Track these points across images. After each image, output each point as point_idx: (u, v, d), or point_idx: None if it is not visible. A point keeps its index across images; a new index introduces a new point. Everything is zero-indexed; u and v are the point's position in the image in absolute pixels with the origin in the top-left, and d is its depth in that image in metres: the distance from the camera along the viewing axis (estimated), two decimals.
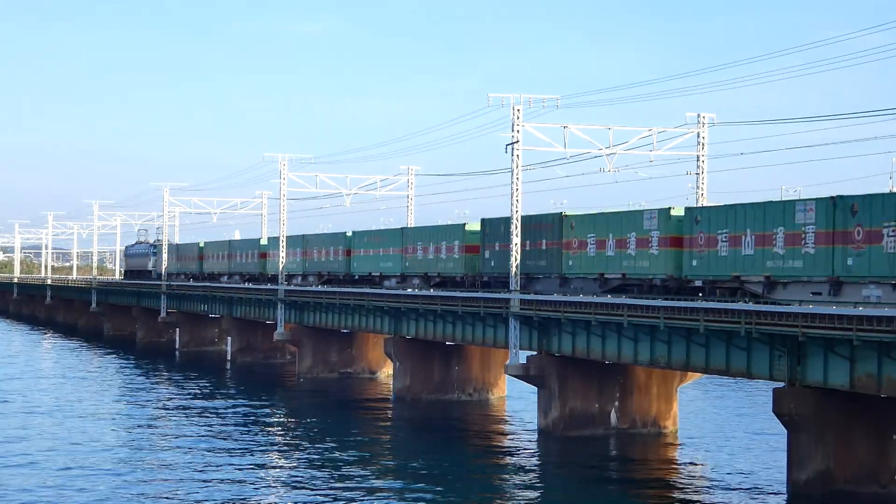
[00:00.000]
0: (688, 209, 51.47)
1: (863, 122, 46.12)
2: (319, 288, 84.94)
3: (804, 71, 51.68)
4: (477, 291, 63.79)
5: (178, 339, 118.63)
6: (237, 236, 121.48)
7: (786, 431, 43.71)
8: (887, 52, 45.37)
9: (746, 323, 43.25)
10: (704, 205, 53.55)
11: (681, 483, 47.12)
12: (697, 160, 58.28)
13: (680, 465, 51.34)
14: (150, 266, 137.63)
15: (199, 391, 76.86)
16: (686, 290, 50.83)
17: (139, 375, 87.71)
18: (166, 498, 41.20)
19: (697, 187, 58.14)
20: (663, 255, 51.67)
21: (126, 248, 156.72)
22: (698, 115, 58.13)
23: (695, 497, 43.95)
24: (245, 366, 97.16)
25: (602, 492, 45.12)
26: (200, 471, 46.45)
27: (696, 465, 50.73)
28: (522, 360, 58.69)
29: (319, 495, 42.07)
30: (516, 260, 59.53)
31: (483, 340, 63.74)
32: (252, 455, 50.74)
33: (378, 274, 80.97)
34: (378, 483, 44.88)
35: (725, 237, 48.22)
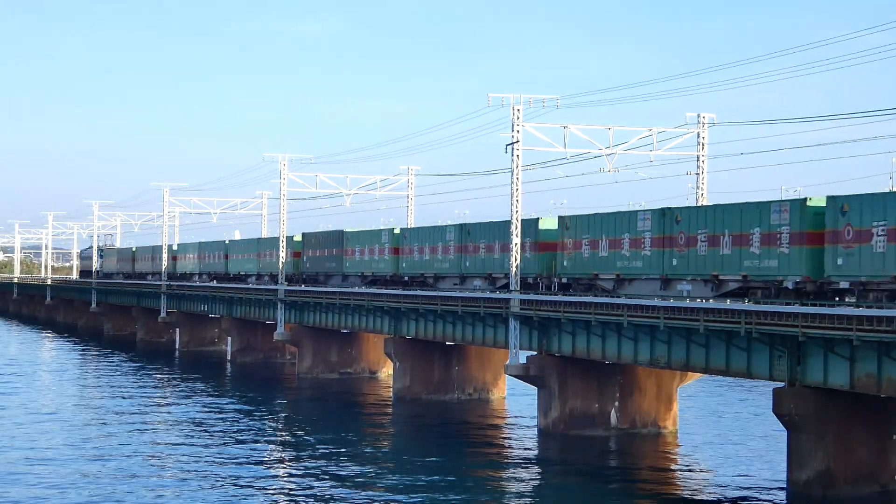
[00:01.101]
0: (402, 229, 77.92)
1: (863, 122, 46.17)
2: (320, 288, 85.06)
3: (804, 71, 51.65)
4: (299, 285, 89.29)
5: (178, 339, 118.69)
6: (237, 236, 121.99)
7: (786, 431, 43.74)
8: (887, 52, 45.42)
9: (746, 323, 43.27)
10: (413, 226, 78.99)
11: (681, 483, 47.14)
12: (697, 160, 58.28)
13: (680, 465, 51.35)
14: (95, 267, 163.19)
15: (199, 391, 76.87)
16: (401, 282, 76.02)
17: (139, 375, 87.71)
18: (165, 498, 41.21)
19: (697, 187, 58.15)
20: (391, 260, 77.85)
21: (81, 251, 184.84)
22: (698, 115, 58.12)
23: (695, 497, 43.95)
24: (245, 366, 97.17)
25: (602, 492, 45.13)
26: (200, 471, 46.45)
27: (696, 465, 50.73)
28: (522, 360, 58.72)
29: (319, 495, 42.07)
30: (517, 260, 59.54)
31: (483, 340, 63.76)
32: (251, 455, 50.74)
33: (245, 273, 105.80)
34: (378, 483, 44.88)
35: (418, 248, 74.41)
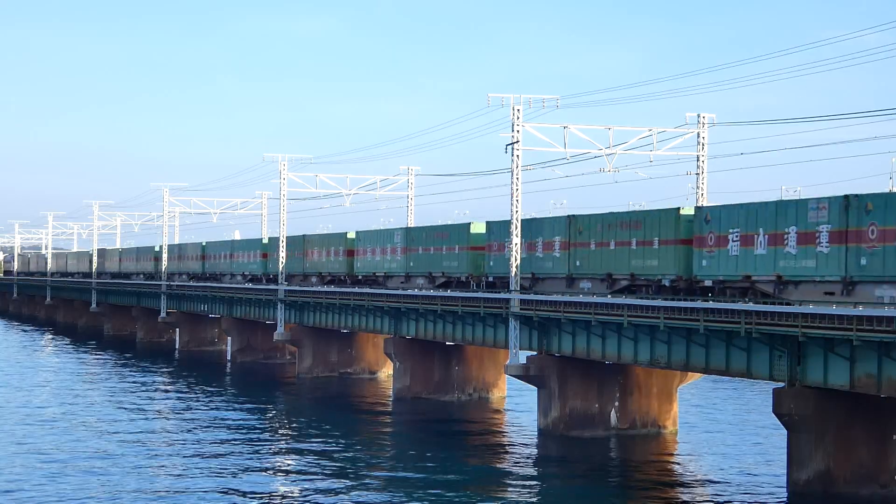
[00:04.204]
0: (270, 238, 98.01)
1: (863, 122, 46.21)
2: (320, 288, 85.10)
3: (804, 71, 51.72)
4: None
5: (178, 339, 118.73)
6: (237, 236, 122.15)
7: (786, 431, 43.74)
8: (887, 52, 45.43)
9: (746, 323, 43.27)
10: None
11: (681, 483, 47.12)
12: (697, 160, 58.26)
13: (680, 465, 51.35)
14: (12, 269, 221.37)
15: (199, 391, 76.88)
16: (268, 279, 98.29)
17: (139, 376, 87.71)
18: (166, 498, 41.22)
19: (697, 187, 58.11)
20: (259, 263, 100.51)
21: (3, 257, 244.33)
22: (698, 115, 58.09)
23: (695, 497, 43.95)
24: (245, 366, 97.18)
25: (602, 492, 45.12)
26: (199, 471, 46.47)
27: (696, 465, 50.73)
28: (522, 360, 58.70)
29: (319, 495, 42.07)
30: (516, 260, 59.56)
31: (483, 340, 63.75)
32: (251, 455, 50.75)
33: (176, 273, 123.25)
34: (377, 483, 44.90)
35: (273, 254, 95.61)
